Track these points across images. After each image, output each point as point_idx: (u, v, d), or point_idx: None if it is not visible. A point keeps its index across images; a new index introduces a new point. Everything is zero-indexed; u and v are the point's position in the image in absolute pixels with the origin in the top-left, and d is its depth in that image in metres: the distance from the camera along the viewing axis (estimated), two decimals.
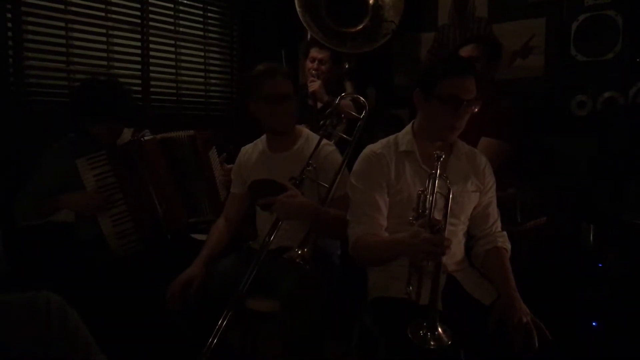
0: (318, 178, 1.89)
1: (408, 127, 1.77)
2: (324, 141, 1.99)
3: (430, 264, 1.42)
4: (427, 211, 1.46)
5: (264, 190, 1.98)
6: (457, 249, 1.72)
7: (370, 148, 1.75)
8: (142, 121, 2.40)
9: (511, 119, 2.37)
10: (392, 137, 1.78)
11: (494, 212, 1.78)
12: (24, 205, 2.11)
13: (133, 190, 2.16)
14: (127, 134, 2.27)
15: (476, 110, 1.65)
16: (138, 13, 3.05)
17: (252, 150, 2.13)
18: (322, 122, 2.46)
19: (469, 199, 1.73)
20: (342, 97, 2.17)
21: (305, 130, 2.10)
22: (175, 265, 2.00)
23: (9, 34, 2.49)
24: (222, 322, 1.67)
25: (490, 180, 1.78)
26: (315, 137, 2.02)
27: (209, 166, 2.24)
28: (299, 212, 1.78)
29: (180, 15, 3.30)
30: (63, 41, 2.72)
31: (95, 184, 2.10)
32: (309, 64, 2.92)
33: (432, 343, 1.33)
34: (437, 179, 1.49)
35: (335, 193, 1.83)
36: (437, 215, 1.48)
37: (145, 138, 2.20)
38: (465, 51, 2.40)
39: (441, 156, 1.51)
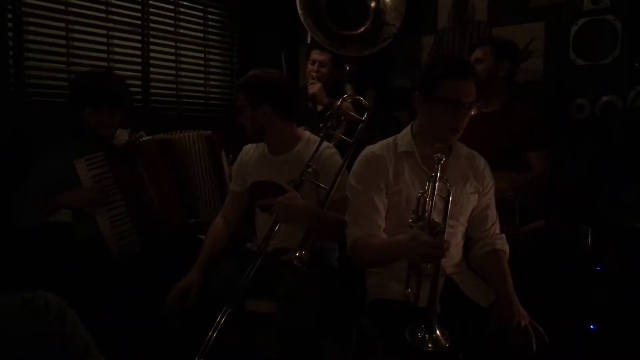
0: (318, 180, 1.90)
1: (407, 129, 1.77)
2: (325, 144, 1.99)
3: (430, 267, 1.43)
4: (426, 214, 1.46)
5: (263, 192, 1.99)
6: (455, 251, 1.72)
7: (369, 149, 1.76)
8: (142, 122, 2.41)
9: (545, 124, 2.40)
10: (391, 138, 1.78)
11: (493, 214, 1.79)
12: (23, 207, 2.10)
13: (132, 191, 2.15)
14: (123, 135, 2.28)
15: (475, 111, 1.66)
16: (138, 14, 3.05)
17: (254, 150, 2.13)
18: (321, 124, 2.46)
19: (467, 201, 1.73)
20: (343, 99, 2.18)
21: (306, 133, 2.10)
22: (174, 266, 2.01)
23: (10, 34, 2.49)
24: (220, 318, 1.68)
25: (490, 182, 1.78)
26: (315, 140, 2.02)
27: (221, 167, 2.26)
28: (297, 214, 1.79)
29: (181, 17, 3.30)
30: (63, 42, 2.72)
31: (94, 185, 2.10)
32: (309, 67, 2.93)
33: (430, 345, 1.33)
34: (437, 181, 1.49)
35: (334, 195, 1.83)
36: (437, 218, 1.48)
37: (144, 138, 2.21)
38: (473, 55, 2.45)
39: (442, 159, 1.51)
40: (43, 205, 2.10)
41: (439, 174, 1.50)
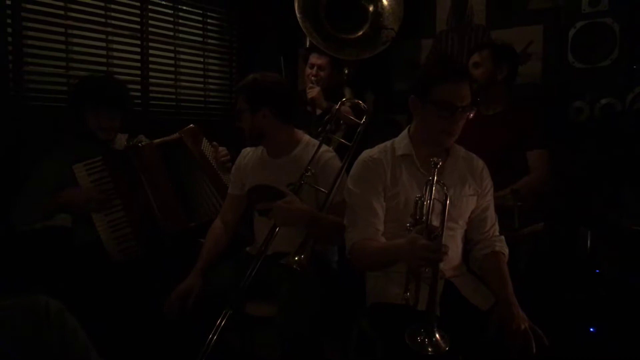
0: (317, 184, 1.90)
1: (404, 132, 1.78)
2: (324, 147, 1.98)
3: (428, 270, 1.43)
4: (424, 217, 1.47)
5: (262, 196, 1.99)
6: (454, 254, 1.72)
7: (367, 153, 1.76)
8: (141, 126, 2.41)
9: (546, 125, 2.40)
10: (389, 142, 1.79)
11: (492, 215, 1.79)
12: (21, 210, 2.10)
13: (131, 195, 2.16)
14: (122, 139, 2.28)
15: (473, 114, 1.65)
16: (138, 19, 3.05)
17: (253, 153, 2.13)
18: (320, 128, 2.46)
19: (466, 203, 1.73)
20: (342, 103, 2.18)
21: (305, 136, 2.10)
22: (174, 270, 2.01)
23: (9, 39, 2.50)
24: (221, 321, 1.68)
25: (488, 184, 1.78)
26: (314, 143, 2.02)
27: (204, 159, 2.26)
28: (295, 218, 1.79)
29: (180, 21, 3.31)
30: (63, 47, 2.73)
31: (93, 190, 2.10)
32: (307, 70, 2.93)
33: (429, 349, 1.33)
34: (435, 185, 1.49)
35: (333, 199, 1.83)
36: (435, 222, 1.48)
37: (142, 143, 2.22)
38: (471, 60, 2.47)
39: (438, 163, 1.51)
40: (42, 207, 2.10)
41: (435, 178, 1.50)
